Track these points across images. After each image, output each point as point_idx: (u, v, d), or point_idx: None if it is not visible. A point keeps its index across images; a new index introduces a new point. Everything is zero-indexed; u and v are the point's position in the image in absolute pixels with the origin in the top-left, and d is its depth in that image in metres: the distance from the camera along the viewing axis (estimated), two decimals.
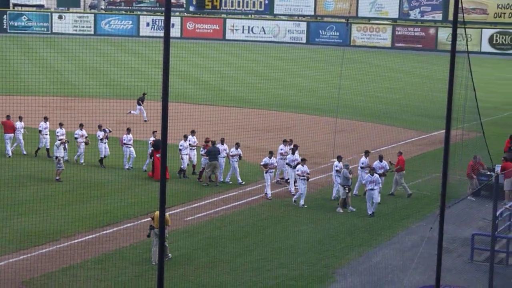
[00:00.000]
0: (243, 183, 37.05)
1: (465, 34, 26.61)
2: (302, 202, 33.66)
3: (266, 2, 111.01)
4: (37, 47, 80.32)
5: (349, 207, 33.22)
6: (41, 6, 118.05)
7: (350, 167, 34.37)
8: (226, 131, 42.07)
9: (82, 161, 39.81)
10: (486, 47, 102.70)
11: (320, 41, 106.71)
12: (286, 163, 36.04)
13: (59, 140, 37.56)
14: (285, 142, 37.54)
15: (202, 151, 37.16)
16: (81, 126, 39.89)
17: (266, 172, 34.86)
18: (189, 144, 38.19)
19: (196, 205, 33.33)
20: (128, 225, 30.33)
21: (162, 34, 15.59)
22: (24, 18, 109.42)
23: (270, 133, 45.57)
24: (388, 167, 35.41)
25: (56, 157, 36.55)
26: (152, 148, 37.71)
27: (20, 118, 41.64)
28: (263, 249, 28.25)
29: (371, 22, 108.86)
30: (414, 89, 73.72)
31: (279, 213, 32.79)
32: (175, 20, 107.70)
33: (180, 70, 71.37)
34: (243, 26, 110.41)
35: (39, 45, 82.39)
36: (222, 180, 37.35)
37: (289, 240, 29.23)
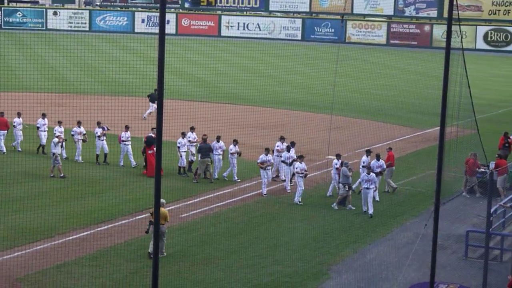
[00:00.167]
0: (239, 180, 37.05)
1: (460, 31, 26.68)
2: (296, 199, 33.66)
3: None
4: (32, 44, 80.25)
5: (348, 205, 33.20)
6: (36, 2, 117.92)
7: (349, 163, 34.40)
8: (221, 128, 42.08)
9: (80, 158, 39.68)
10: (480, 44, 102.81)
11: (315, 38, 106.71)
12: (282, 161, 36.03)
13: (56, 137, 37.49)
14: (282, 139, 37.51)
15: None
16: (79, 124, 39.82)
17: (263, 169, 34.78)
18: (189, 141, 38.18)
19: (191, 202, 33.33)
20: (123, 222, 30.31)
21: (157, 31, 15.58)
22: (19, 14, 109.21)
23: (265, 130, 45.57)
24: (385, 166, 35.37)
25: (53, 154, 36.53)
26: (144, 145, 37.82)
27: (19, 114, 41.55)
28: (258, 246, 28.27)
29: (366, 19, 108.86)
30: (409, 86, 73.77)
31: (274, 210, 32.80)
32: (170, 17, 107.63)
33: (175, 66, 71.31)
34: (238, 23, 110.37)
35: (34, 42, 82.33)
36: (217, 177, 37.35)
37: (284, 237, 29.25)
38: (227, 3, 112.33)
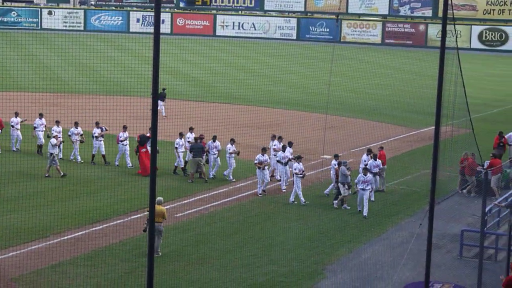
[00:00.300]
0: (234, 180, 37.05)
1: (455, 31, 26.69)
2: (292, 198, 33.67)
3: None
4: (26, 43, 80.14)
5: (344, 205, 33.21)
6: (31, 1, 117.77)
7: (348, 162, 34.42)
8: (216, 127, 42.04)
9: (80, 159, 39.62)
10: (475, 44, 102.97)
11: (310, 37, 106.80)
12: (277, 161, 35.95)
13: (53, 137, 37.40)
14: (279, 138, 37.48)
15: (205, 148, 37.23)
16: (76, 124, 39.74)
17: (262, 169, 34.70)
18: (188, 141, 38.16)
19: (186, 201, 33.32)
20: (118, 221, 30.29)
21: (152, 30, 15.59)
22: (14, 14, 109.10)
23: (260, 130, 45.56)
24: (381, 166, 35.33)
25: (51, 154, 36.51)
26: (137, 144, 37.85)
27: (16, 114, 41.46)
28: (253, 245, 28.27)
29: (361, 18, 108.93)
30: (404, 85, 73.84)
31: (269, 210, 32.81)
32: (165, 16, 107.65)
33: (170, 66, 71.29)
34: (234, 22, 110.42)
35: (29, 41, 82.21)
36: (212, 176, 37.37)
37: (279, 236, 29.25)
38: (222, 2, 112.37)
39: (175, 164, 37.94)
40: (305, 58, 77.18)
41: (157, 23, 15.60)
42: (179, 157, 37.76)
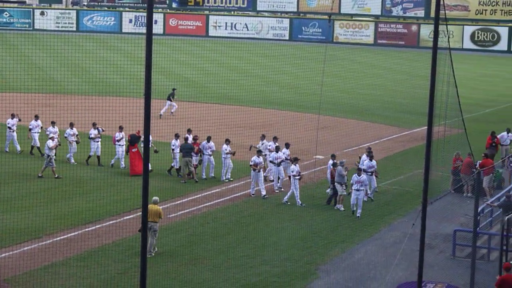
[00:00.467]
0: (226, 180, 37.05)
1: (447, 31, 26.74)
2: (286, 198, 33.63)
3: None
4: (19, 44, 80.00)
5: (337, 205, 33.22)
6: (23, 2, 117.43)
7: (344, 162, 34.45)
8: (209, 128, 41.99)
9: (73, 160, 39.53)
10: (467, 44, 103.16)
11: (303, 37, 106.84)
12: (270, 161, 35.91)
13: (50, 138, 37.24)
14: (274, 138, 37.43)
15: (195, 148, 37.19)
16: (71, 125, 39.63)
17: (258, 171, 34.57)
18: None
19: (179, 202, 33.30)
20: (111, 222, 30.26)
21: (144, 31, 15.59)
22: (6, 14, 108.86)
23: (252, 130, 45.55)
24: (376, 166, 35.26)
25: (48, 156, 36.44)
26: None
27: (12, 116, 41.32)
28: (246, 246, 28.27)
29: (353, 19, 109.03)
30: (397, 85, 73.95)
31: (262, 210, 32.81)
32: (158, 17, 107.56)
33: (163, 67, 71.22)
34: (226, 23, 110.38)
35: (21, 42, 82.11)
36: (205, 177, 37.38)
37: (272, 237, 29.26)
38: (215, 3, 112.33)
39: (172, 164, 37.88)
40: (297, 59, 77.24)
41: (149, 23, 15.60)
42: (175, 158, 37.69)
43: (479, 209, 26.21)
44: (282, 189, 35.45)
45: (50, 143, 36.69)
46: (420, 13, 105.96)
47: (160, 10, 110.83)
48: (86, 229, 29.34)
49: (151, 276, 23.34)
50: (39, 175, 36.20)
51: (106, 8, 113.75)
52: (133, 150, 37.46)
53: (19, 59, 64.55)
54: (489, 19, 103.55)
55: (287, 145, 36.79)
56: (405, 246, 26.02)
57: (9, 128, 41.00)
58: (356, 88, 70.83)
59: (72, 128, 39.51)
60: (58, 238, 28.14)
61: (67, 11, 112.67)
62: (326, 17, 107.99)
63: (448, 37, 30.47)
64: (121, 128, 38.95)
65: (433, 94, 20.51)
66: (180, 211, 31.99)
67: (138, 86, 49.14)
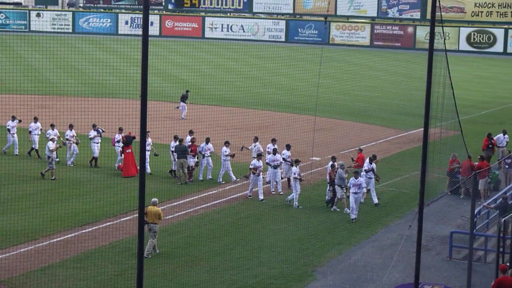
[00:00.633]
0: (223, 182, 37.03)
1: (443, 33, 26.69)
2: (296, 203, 33.50)
3: (245, 0, 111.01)
4: (15, 45, 79.91)
5: (334, 206, 33.22)
6: (19, 4, 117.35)
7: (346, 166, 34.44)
8: (206, 129, 42.09)
9: (70, 162, 39.43)
10: (463, 46, 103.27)
11: (299, 39, 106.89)
12: (266, 163, 35.74)
13: (50, 139, 37.12)
14: (273, 141, 37.36)
15: (189, 150, 37.13)
16: (70, 127, 39.56)
17: (257, 175, 34.46)
18: (188, 145, 38.05)
19: (175, 203, 33.30)
20: (108, 224, 30.26)
21: (140, 32, 15.60)
22: (2, 16, 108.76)
23: (249, 132, 45.48)
24: (375, 168, 35.20)
25: (49, 157, 36.41)
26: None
27: (13, 118, 41.24)
28: (242, 247, 28.27)
29: (349, 20, 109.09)
30: (393, 87, 73.97)
31: (259, 212, 32.81)
32: (154, 18, 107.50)
33: (159, 68, 71.23)
34: (222, 25, 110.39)
35: (17, 43, 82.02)
36: (201, 178, 37.39)
37: (268, 238, 29.26)
38: (211, 4, 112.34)
39: (172, 167, 37.84)
40: (293, 60, 77.31)
41: (145, 25, 15.61)
42: (175, 160, 37.61)
43: (476, 211, 26.24)
44: (282, 193, 35.38)
45: (51, 145, 36.65)
46: (416, 14, 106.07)
47: (156, 11, 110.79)
48: (83, 231, 29.32)
49: (148, 277, 23.35)
50: (52, 178, 36.15)
51: (102, 10, 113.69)
52: (127, 151, 37.46)
53: (15, 60, 64.49)
54: (485, 21, 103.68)
55: (288, 147, 36.70)
56: (402, 248, 26.04)
57: (8, 130, 40.91)
58: (352, 89, 70.84)
59: (71, 130, 39.45)
60: (55, 240, 28.13)
61: (63, 12, 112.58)
62: (322, 18, 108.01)
63: (444, 39, 30.47)
64: (120, 130, 38.86)
65: (429, 95, 20.56)
66: (176, 213, 31.98)
67: (134, 88, 49.37)
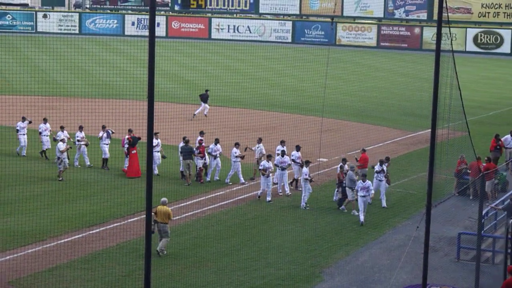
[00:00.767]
0: (230, 183, 37.03)
1: (450, 34, 26.71)
2: (303, 204, 33.48)
3: (252, 1, 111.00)
4: (21, 46, 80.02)
5: (342, 206, 33.19)
6: (26, 5, 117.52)
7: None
8: (213, 130, 42.10)
9: (88, 162, 39.47)
10: (470, 47, 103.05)
11: (306, 40, 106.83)
12: (274, 164, 35.59)
13: (61, 140, 37.11)
14: (282, 142, 37.29)
15: (195, 151, 37.10)
16: (80, 128, 39.56)
17: (267, 176, 34.40)
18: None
19: (183, 204, 33.31)
20: (115, 225, 30.28)
21: (147, 33, 15.60)
22: (9, 17, 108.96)
23: (256, 133, 45.41)
24: (386, 171, 35.11)
25: (58, 158, 36.44)
26: (127, 145, 37.86)
27: (23, 119, 41.26)
28: (250, 248, 28.27)
29: (356, 21, 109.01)
30: (400, 88, 73.86)
31: (266, 213, 32.80)
32: (160, 19, 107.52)
33: (166, 69, 71.26)
34: (229, 25, 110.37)
35: (24, 44, 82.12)
36: (209, 179, 37.39)
37: (276, 239, 29.24)
38: (217, 5, 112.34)
39: (181, 169, 37.85)
40: (300, 61, 77.22)
41: (152, 26, 15.60)
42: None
43: (484, 212, 26.19)
44: (289, 194, 35.33)
45: (61, 146, 36.66)
46: (423, 15, 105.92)
47: (162, 12, 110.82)
48: (90, 232, 29.36)
49: (156, 278, 23.35)
50: (59, 179, 36.19)
51: (108, 11, 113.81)
52: (132, 152, 37.54)
53: (22, 61, 64.55)
54: (492, 22, 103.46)
55: (298, 148, 36.60)
56: (409, 249, 26.00)
57: (17, 131, 40.95)
58: (359, 90, 70.79)
59: (81, 131, 39.44)
60: (63, 241, 28.17)
61: (70, 13, 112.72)
62: (328, 19, 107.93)
63: (451, 40, 30.44)
64: (130, 131, 38.81)
65: (436, 96, 20.51)
66: (184, 214, 31.99)
67: (141, 89, 49.45)
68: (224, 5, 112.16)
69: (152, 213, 27.04)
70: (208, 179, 37.38)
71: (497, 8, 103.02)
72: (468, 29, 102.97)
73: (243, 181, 37.22)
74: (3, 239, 27.89)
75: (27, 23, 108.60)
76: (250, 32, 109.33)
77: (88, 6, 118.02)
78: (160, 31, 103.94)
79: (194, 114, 53.19)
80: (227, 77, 72.10)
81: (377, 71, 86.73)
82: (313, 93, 60.82)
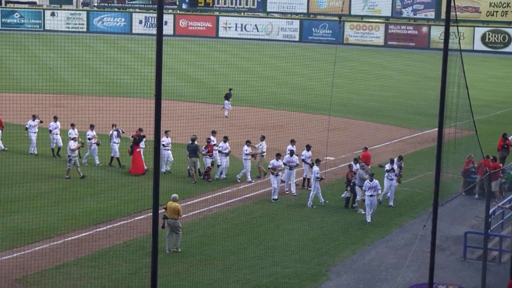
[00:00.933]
0: (253, 182, 37.07)
1: (458, 33, 26.62)
2: (310, 202, 33.48)
3: (259, 0, 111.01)
4: (29, 44, 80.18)
5: (354, 204, 33.14)
6: (34, 3, 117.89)
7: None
8: (220, 129, 42.08)
9: (98, 162, 39.58)
10: (478, 46, 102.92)
11: (313, 39, 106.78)
12: (283, 163, 35.50)
13: (72, 138, 37.13)
14: (292, 141, 37.26)
15: (203, 150, 37.15)
16: (91, 127, 39.55)
17: (276, 175, 34.43)
18: (214, 144, 38.03)
19: (189, 202, 33.32)
20: (122, 222, 30.32)
21: (155, 32, 15.61)
22: (17, 15, 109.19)
23: (263, 131, 45.43)
24: (399, 169, 35.02)
25: (69, 156, 36.52)
26: (131, 143, 37.96)
27: (34, 117, 41.33)
28: (256, 247, 28.29)
29: (363, 20, 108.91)
30: (407, 87, 73.81)
31: (273, 211, 32.81)
32: (168, 18, 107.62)
33: (173, 67, 71.27)
34: (236, 24, 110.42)
35: (32, 42, 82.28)
36: (225, 177, 37.42)
37: (282, 238, 29.26)
38: (225, 4, 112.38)
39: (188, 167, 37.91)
40: (308, 60, 77.23)
41: (160, 24, 15.62)
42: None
43: (490, 211, 26.16)
44: (295, 194, 35.33)
45: (72, 145, 36.70)
46: (431, 14, 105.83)
47: (170, 11, 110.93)
48: (97, 230, 29.40)
49: (162, 276, 23.37)
50: (66, 176, 36.30)
51: (116, 9, 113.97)
52: (137, 150, 37.70)
53: (30, 59, 64.71)
54: (500, 21, 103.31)
55: (308, 147, 36.52)
56: (416, 248, 25.97)
57: (26, 129, 41.02)
58: (367, 89, 70.75)
59: (92, 130, 39.44)
60: (70, 238, 28.22)
61: (78, 12, 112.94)
62: (336, 18, 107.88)
63: (459, 39, 30.39)
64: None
65: (444, 95, 20.49)
66: (190, 212, 32.01)
67: (148, 87, 49.46)
68: (231, 4, 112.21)
69: (163, 209, 27.31)
70: (216, 177, 37.33)
71: (505, 7, 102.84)
72: (476, 28, 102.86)
73: (250, 179, 37.24)
74: (10, 236, 27.96)
75: (35, 21, 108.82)
76: (258, 31, 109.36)
77: (96, 4, 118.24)
78: (167, 29, 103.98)
79: (226, 116, 53.50)
80: (234, 76, 72.10)
81: (384, 70, 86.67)
82: (321, 92, 60.77)
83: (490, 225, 27.39)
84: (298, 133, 42.25)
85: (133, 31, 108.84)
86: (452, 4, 20.46)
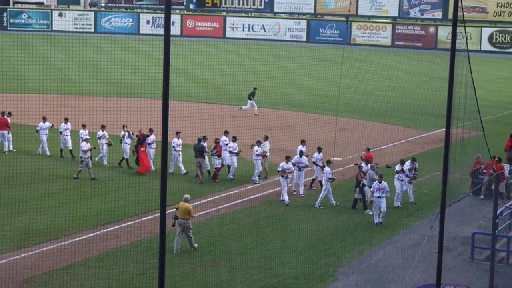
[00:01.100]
0: (260, 182, 37.10)
1: (465, 33, 26.62)
2: (319, 202, 33.45)
3: (266, 0, 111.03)
4: (37, 45, 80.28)
5: (367, 209, 33.04)
6: (41, 3, 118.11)
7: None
8: (228, 129, 41.98)
9: (106, 162, 39.57)
10: (486, 46, 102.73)
11: (320, 39, 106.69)
12: (292, 163, 35.40)
13: (84, 140, 37.13)
14: (302, 142, 37.19)
15: (212, 151, 37.16)
16: (102, 128, 39.50)
17: (286, 177, 34.31)
18: (226, 144, 38.03)
19: (197, 203, 33.30)
20: (129, 223, 30.36)
21: (162, 32, 15.62)
22: (25, 15, 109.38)
23: (270, 131, 45.48)
24: (407, 171, 34.97)
25: (81, 157, 36.55)
26: (136, 143, 38.01)
27: (44, 119, 41.35)
28: (264, 247, 28.29)
29: (371, 20, 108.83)
30: (414, 87, 73.73)
31: (280, 212, 32.81)
32: (175, 18, 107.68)
33: (181, 68, 71.33)
34: (243, 24, 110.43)
35: (39, 43, 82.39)
36: (232, 177, 37.43)
37: (290, 238, 29.26)
38: (232, 4, 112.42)
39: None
40: (315, 60, 77.14)
41: (167, 24, 15.63)
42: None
43: (498, 211, 26.12)
44: (303, 195, 35.31)
45: (84, 146, 36.71)
46: (438, 14, 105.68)
47: (177, 11, 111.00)
48: (105, 230, 29.44)
49: (170, 277, 23.39)
50: (74, 176, 36.35)
51: (123, 10, 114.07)
52: (141, 149, 37.76)
53: (38, 60, 64.84)
54: (508, 21, 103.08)
55: (319, 149, 36.40)
56: (423, 249, 25.96)
57: (37, 131, 41.03)
58: (374, 89, 70.69)
59: (103, 130, 39.44)
60: (77, 239, 28.27)
61: (85, 12, 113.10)
62: (343, 18, 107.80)
63: (466, 39, 30.35)
64: (151, 131, 38.76)
65: (451, 96, 20.47)
66: (198, 212, 31.95)
67: (156, 87, 49.41)
68: (239, 4, 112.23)
69: (174, 209, 27.37)
70: (230, 177, 37.32)
71: None
72: (483, 28, 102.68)
73: (257, 180, 37.25)
74: (18, 237, 28.01)
75: (43, 21, 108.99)
76: (265, 31, 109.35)
77: (103, 4, 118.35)
78: (175, 29, 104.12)
79: (255, 114, 53.89)
80: (241, 76, 72.10)
81: (391, 70, 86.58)
82: (328, 92, 60.77)
83: (498, 225, 27.34)
84: (306, 134, 42.24)
85: (141, 32, 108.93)
86: (460, 4, 20.45)
